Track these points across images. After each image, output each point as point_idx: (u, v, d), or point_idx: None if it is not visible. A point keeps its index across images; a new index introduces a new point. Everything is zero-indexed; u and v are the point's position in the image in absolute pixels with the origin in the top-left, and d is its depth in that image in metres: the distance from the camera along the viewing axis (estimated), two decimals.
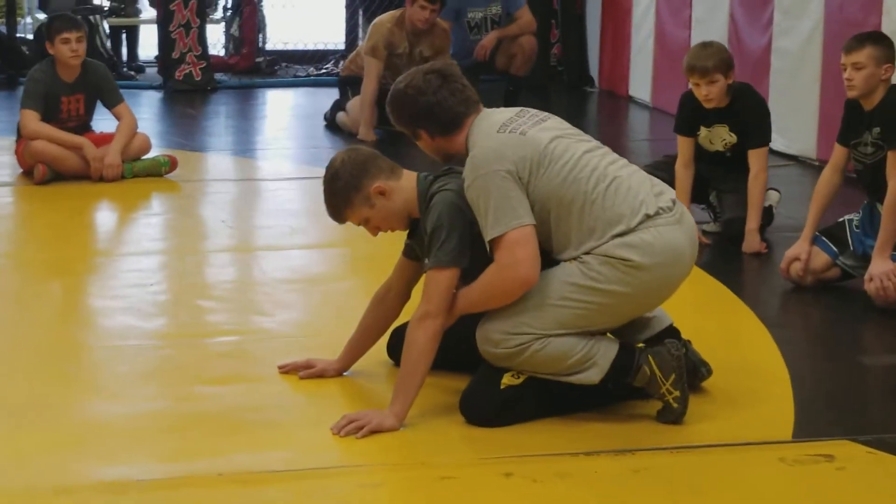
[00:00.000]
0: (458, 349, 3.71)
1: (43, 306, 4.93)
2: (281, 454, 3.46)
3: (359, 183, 3.70)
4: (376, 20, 8.46)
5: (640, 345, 3.73)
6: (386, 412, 3.56)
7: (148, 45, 11.74)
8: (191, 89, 10.38)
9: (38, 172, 6.84)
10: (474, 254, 3.60)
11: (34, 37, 10.99)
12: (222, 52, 11.61)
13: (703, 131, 5.75)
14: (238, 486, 3.27)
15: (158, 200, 6.80)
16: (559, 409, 3.66)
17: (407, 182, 3.75)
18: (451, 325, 3.64)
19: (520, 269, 3.51)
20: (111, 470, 3.37)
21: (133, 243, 6.02)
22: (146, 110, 9.42)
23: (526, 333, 3.54)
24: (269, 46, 11.89)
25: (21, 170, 7.05)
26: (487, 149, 3.60)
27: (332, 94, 9.25)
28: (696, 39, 8.64)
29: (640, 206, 3.57)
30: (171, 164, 7.15)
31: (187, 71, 10.45)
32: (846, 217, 5.11)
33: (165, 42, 10.48)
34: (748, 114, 5.66)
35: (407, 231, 3.85)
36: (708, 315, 4.76)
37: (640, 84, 9.90)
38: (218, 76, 10.73)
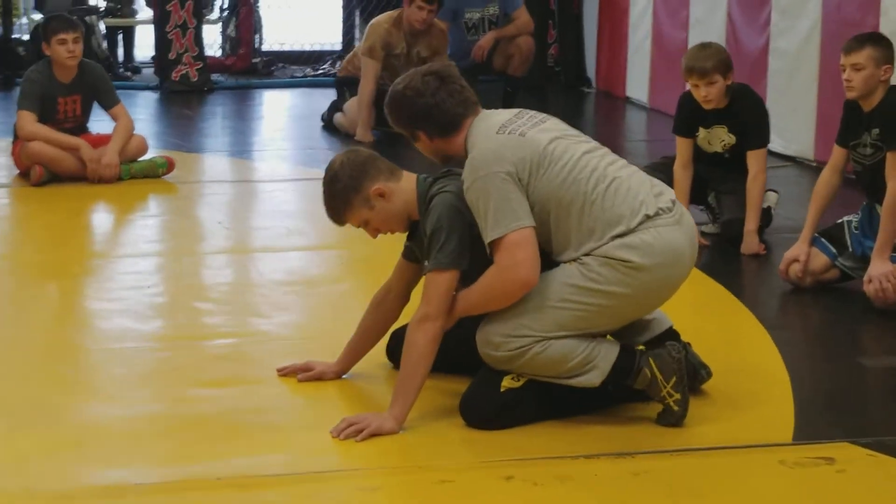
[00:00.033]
0: (457, 351, 3.70)
1: (40, 308, 4.92)
2: (280, 457, 3.44)
3: (358, 185, 3.69)
4: (373, 21, 8.45)
5: (641, 347, 3.72)
6: (385, 415, 3.55)
7: (144, 45, 11.72)
8: (187, 90, 10.36)
9: (35, 174, 6.82)
10: (474, 256, 3.59)
11: (30, 37, 10.98)
12: (219, 53, 11.59)
13: (701, 132, 5.74)
14: (237, 490, 3.26)
15: (155, 202, 6.79)
16: (559, 412, 3.65)
17: (406, 184, 3.73)
18: (451, 327, 3.63)
19: (520, 272, 3.50)
20: (109, 473, 3.35)
21: (130, 245, 6.00)
22: (142, 111, 9.41)
23: (526, 336, 3.53)
24: (265, 47, 11.89)
25: (18, 171, 7.04)
26: (487, 150, 3.58)
27: (328, 95, 9.25)
28: (693, 40, 8.64)
29: (640, 207, 3.56)
30: (169, 165, 7.13)
31: (184, 72, 10.44)
32: (845, 218, 5.11)
33: (162, 43, 10.46)
34: (747, 115, 5.66)
35: (406, 233, 3.84)
36: (707, 317, 4.76)
37: (638, 85, 9.89)
38: (214, 77, 10.72)
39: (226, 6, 11.69)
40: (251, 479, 3.31)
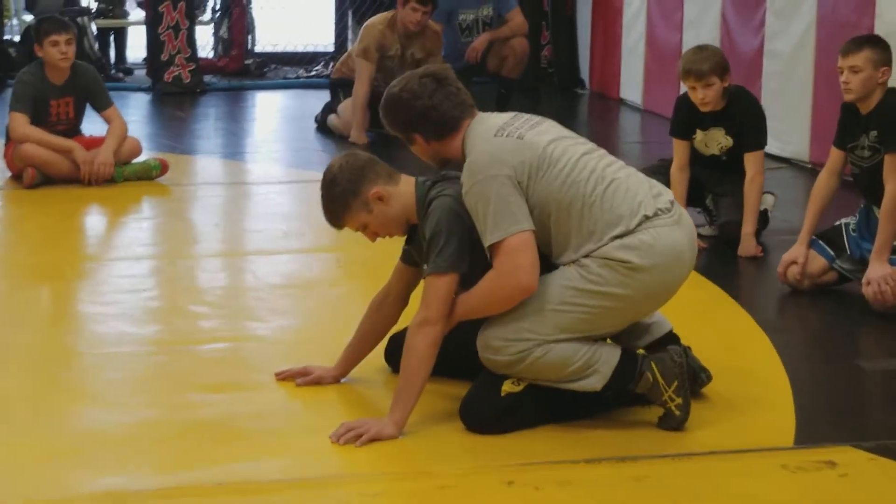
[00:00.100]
0: (457, 355, 3.68)
1: (34, 312, 4.89)
2: (279, 463, 3.42)
3: (357, 188, 3.67)
4: (368, 22, 8.44)
5: (641, 351, 3.71)
6: (385, 420, 3.53)
7: (135, 46, 11.69)
8: (180, 92, 10.33)
9: (28, 176, 6.79)
10: (473, 259, 3.57)
11: (21, 39, 10.94)
12: (211, 55, 11.56)
13: (698, 134, 5.73)
14: (236, 496, 3.23)
15: (149, 204, 6.76)
16: (559, 416, 3.63)
17: (405, 187, 3.71)
18: (450, 330, 3.61)
19: (520, 276, 3.48)
20: (108, 480, 3.32)
21: (125, 248, 5.97)
22: (135, 113, 9.38)
23: (527, 340, 3.51)
24: (258, 48, 11.86)
25: (10, 173, 7.01)
26: (485, 153, 3.57)
27: (321, 97, 9.22)
28: (687, 41, 8.64)
29: (639, 208, 3.55)
30: (162, 167, 7.11)
31: (176, 73, 10.40)
32: (843, 221, 5.10)
33: (154, 44, 10.43)
34: (744, 117, 5.65)
35: (405, 237, 3.82)
36: (706, 319, 4.75)
37: (632, 86, 9.89)
38: (207, 78, 10.69)
39: (218, 7, 11.66)
40: (250, 484, 3.29)
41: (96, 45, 11.24)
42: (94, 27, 11.28)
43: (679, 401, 3.58)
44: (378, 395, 3.86)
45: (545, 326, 3.51)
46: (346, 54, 8.88)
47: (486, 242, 3.51)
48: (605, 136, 8.79)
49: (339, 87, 8.57)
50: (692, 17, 8.84)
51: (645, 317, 3.77)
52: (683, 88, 5.77)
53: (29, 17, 10.96)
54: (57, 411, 3.81)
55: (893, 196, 4.74)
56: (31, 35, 7.13)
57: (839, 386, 4.13)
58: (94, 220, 6.73)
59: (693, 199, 5.77)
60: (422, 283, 3.66)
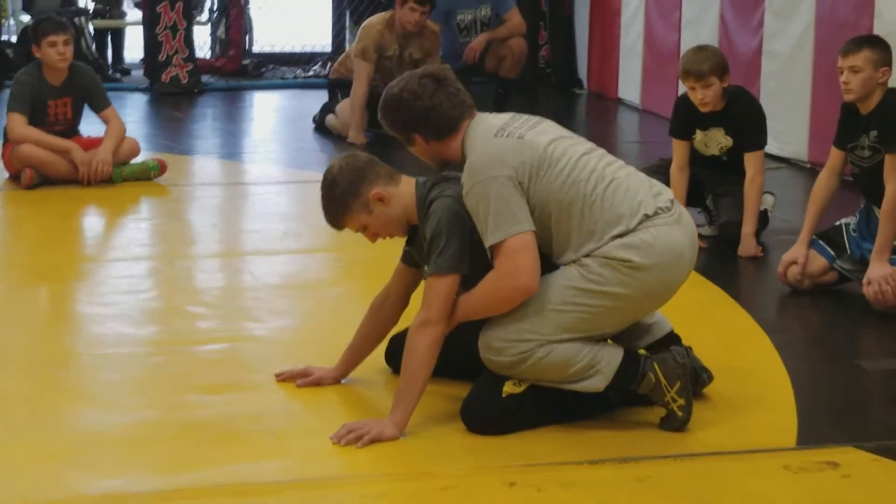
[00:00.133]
0: (457, 355, 3.67)
1: (32, 312, 4.88)
2: (280, 464, 3.40)
3: (357, 189, 3.65)
4: (366, 22, 8.42)
5: (642, 351, 3.70)
6: (386, 421, 3.52)
7: (133, 47, 11.67)
8: (177, 92, 10.32)
9: (26, 177, 6.78)
10: (474, 260, 3.56)
11: (18, 39, 10.92)
12: (209, 55, 11.55)
13: (698, 134, 5.72)
14: (236, 498, 3.22)
15: (147, 205, 6.75)
16: (561, 417, 3.62)
17: (405, 188, 3.70)
18: (451, 331, 3.59)
19: (521, 277, 3.47)
20: (107, 482, 3.31)
21: (123, 248, 5.96)
22: (132, 113, 9.36)
23: (528, 340, 3.50)
24: (255, 49, 11.84)
25: (8, 174, 6.99)
26: (486, 154, 3.56)
27: (319, 97, 9.22)
28: (685, 41, 8.64)
29: (639, 207, 3.54)
30: (161, 168, 7.09)
31: (174, 73, 10.39)
32: (843, 220, 5.09)
33: (152, 44, 10.42)
34: (744, 117, 5.64)
35: (405, 237, 3.80)
36: (706, 320, 4.74)
37: (630, 86, 9.88)
38: (204, 78, 10.67)
39: (215, 7, 11.64)
40: (251, 486, 3.27)
41: (93, 46, 11.22)
42: (91, 27, 11.26)
43: (681, 401, 3.57)
44: (379, 396, 3.84)
45: (547, 327, 3.50)
46: (343, 54, 8.87)
47: (487, 243, 3.50)
48: (603, 136, 8.78)
49: (338, 88, 8.56)
50: (690, 17, 8.84)
51: (645, 316, 3.76)
52: (683, 88, 5.76)
53: (26, 18, 10.93)
54: (55, 412, 3.79)
55: (894, 196, 4.73)
56: (29, 36, 7.12)
57: (840, 386, 4.12)
58: (93, 221, 6.71)
59: (693, 199, 5.76)
60: (422, 283, 3.65)
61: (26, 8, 11.16)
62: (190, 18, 10.52)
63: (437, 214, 3.58)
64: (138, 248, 5.88)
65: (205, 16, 11.69)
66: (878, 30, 6.37)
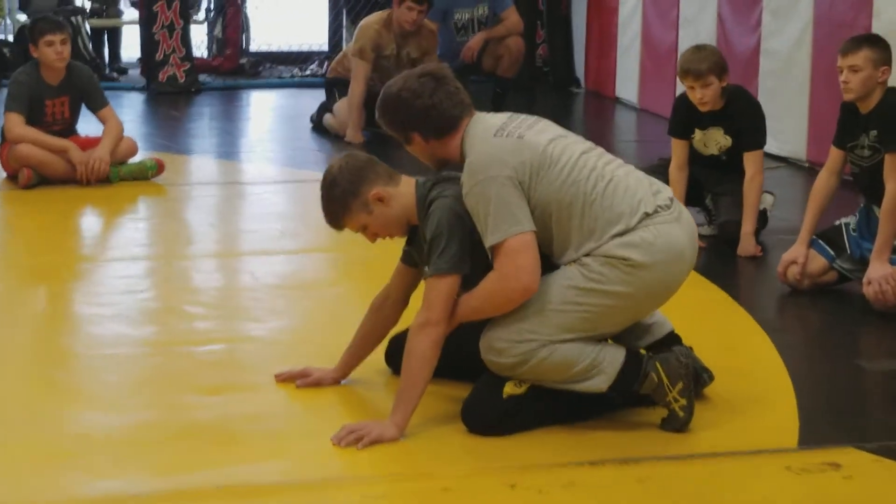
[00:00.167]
0: (458, 356, 3.66)
1: (30, 313, 4.86)
2: (280, 465, 3.39)
3: (357, 189, 3.64)
4: (363, 22, 8.41)
5: (642, 351, 3.69)
6: (387, 422, 3.51)
7: (130, 46, 11.65)
8: (175, 91, 10.31)
9: (24, 176, 6.76)
10: (474, 260, 3.55)
11: (15, 39, 10.90)
12: (205, 54, 11.53)
13: (697, 134, 5.72)
14: (236, 500, 3.21)
15: (145, 204, 6.74)
16: (562, 418, 3.61)
17: (405, 188, 3.69)
18: (451, 331, 3.58)
19: (521, 277, 3.46)
20: (106, 484, 3.29)
21: (121, 248, 5.94)
22: (130, 112, 9.34)
23: (530, 341, 3.49)
24: (252, 48, 11.83)
25: (5, 174, 6.97)
26: (485, 154, 3.55)
27: (316, 96, 9.21)
28: (683, 40, 8.63)
29: (639, 205, 3.54)
30: (158, 167, 7.08)
31: (171, 73, 10.37)
32: (842, 220, 5.08)
33: (149, 44, 10.40)
34: (743, 116, 5.64)
35: (405, 238, 3.79)
36: (706, 319, 4.73)
37: (627, 85, 9.87)
38: (201, 78, 10.65)
39: (212, 7, 11.62)
40: (251, 488, 3.26)
41: (90, 45, 11.20)
42: (87, 27, 11.24)
43: (683, 402, 3.56)
44: (379, 397, 3.83)
45: (548, 327, 3.49)
46: (341, 53, 8.87)
47: (487, 243, 3.49)
48: (600, 135, 8.76)
49: (335, 87, 8.55)
50: (688, 16, 8.83)
51: (646, 316, 3.75)
52: (681, 87, 5.75)
53: (23, 17, 10.91)
54: (53, 413, 3.78)
55: (894, 195, 4.72)
56: (26, 35, 7.10)
57: (840, 386, 4.11)
58: (91, 221, 6.70)
59: (692, 198, 5.75)
60: (422, 284, 3.64)
61: (23, 7, 11.14)
62: (187, 17, 10.50)
63: (437, 215, 3.57)
64: (136, 248, 5.86)
65: (202, 15, 11.66)
66: (877, 29, 6.36)
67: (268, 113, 10.24)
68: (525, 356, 3.49)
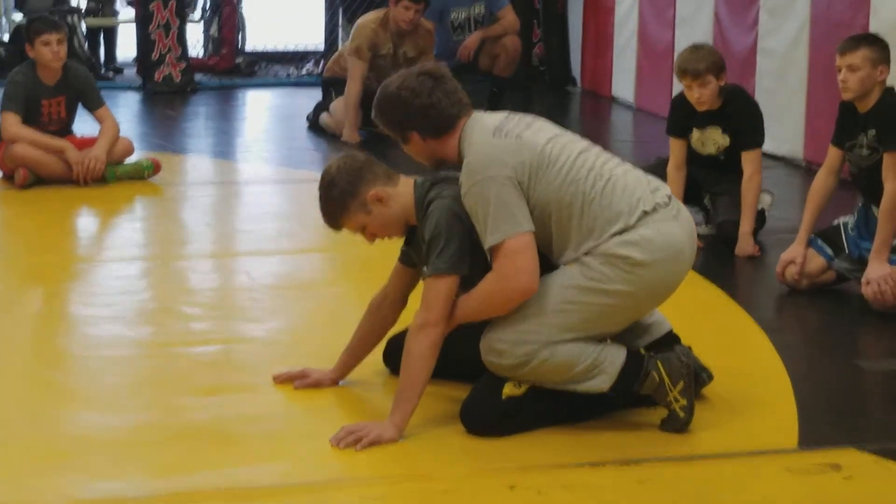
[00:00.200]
0: (457, 357, 3.65)
1: (26, 313, 4.85)
2: (278, 467, 3.38)
3: (355, 189, 3.63)
4: (360, 21, 8.40)
5: (643, 351, 3.68)
6: (385, 423, 3.49)
7: (125, 45, 11.63)
8: (170, 91, 10.28)
9: (20, 176, 6.74)
10: (473, 261, 3.54)
11: (10, 38, 10.87)
12: (201, 53, 11.51)
13: (695, 133, 5.71)
14: (235, 502, 3.20)
15: (141, 204, 6.72)
16: (561, 419, 3.60)
17: (404, 188, 3.68)
18: (450, 332, 3.57)
19: (521, 278, 3.45)
20: (102, 485, 3.28)
21: (118, 248, 5.93)
22: (125, 112, 9.32)
23: (531, 342, 3.48)
24: (248, 47, 11.81)
25: (2, 174, 6.95)
26: (484, 154, 3.54)
27: (312, 95, 9.19)
28: (679, 40, 8.62)
29: (638, 204, 3.53)
30: (155, 167, 7.06)
31: (167, 72, 10.35)
32: (841, 220, 5.08)
33: (144, 43, 10.38)
34: (741, 116, 5.63)
35: (404, 238, 3.78)
36: (705, 319, 4.72)
37: (623, 84, 9.87)
38: (197, 77, 10.63)
39: (208, 6, 11.60)
40: (249, 489, 3.25)
41: (86, 45, 11.17)
42: (83, 26, 11.21)
43: (683, 402, 3.55)
44: (377, 398, 3.82)
45: (549, 327, 3.48)
46: (337, 53, 8.85)
47: (486, 244, 3.48)
48: (597, 134, 8.73)
49: (332, 86, 8.53)
50: (685, 15, 8.82)
51: (646, 315, 3.74)
52: (678, 86, 5.74)
53: (18, 17, 10.88)
54: (50, 415, 3.77)
55: (892, 195, 4.72)
56: (22, 35, 7.08)
57: (840, 386, 4.11)
58: (87, 221, 6.68)
59: (690, 198, 5.74)
60: (421, 284, 3.63)
61: (18, 6, 11.11)
62: (183, 17, 10.48)
63: (435, 215, 3.56)
64: (133, 249, 5.85)
65: (197, 14, 11.64)
66: (874, 27, 6.36)
67: (264, 112, 10.22)
68: (526, 357, 3.48)
